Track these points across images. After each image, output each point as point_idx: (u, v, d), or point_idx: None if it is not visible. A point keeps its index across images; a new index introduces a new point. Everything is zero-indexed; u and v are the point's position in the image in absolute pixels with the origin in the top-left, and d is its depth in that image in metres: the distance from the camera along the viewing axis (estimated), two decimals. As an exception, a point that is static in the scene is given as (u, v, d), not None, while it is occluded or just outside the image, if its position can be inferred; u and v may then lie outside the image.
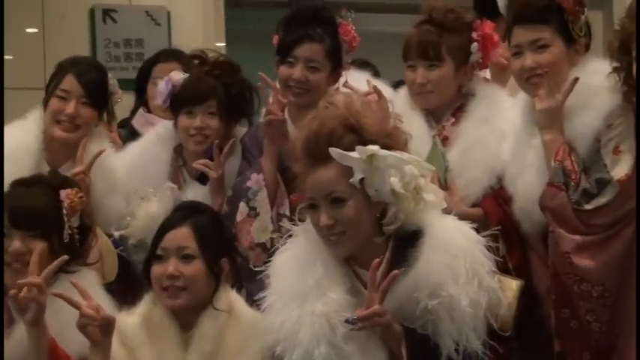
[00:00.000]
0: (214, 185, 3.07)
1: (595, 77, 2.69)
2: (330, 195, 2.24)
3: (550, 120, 2.68)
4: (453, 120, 2.97)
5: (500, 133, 2.90)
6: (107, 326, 2.35)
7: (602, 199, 2.58)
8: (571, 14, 2.72)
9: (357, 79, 3.06)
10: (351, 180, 2.22)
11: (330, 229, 2.24)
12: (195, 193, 3.09)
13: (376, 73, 3.48)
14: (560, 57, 2.73)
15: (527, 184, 2.74)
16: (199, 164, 3.06)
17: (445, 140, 2.93)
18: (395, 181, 2.22)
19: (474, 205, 2.86)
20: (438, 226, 2.26)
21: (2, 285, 2.45)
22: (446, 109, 2.98)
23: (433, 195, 2.33)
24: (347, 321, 2.18)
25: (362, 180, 2.23)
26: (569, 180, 2.62)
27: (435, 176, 2.78)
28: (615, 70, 2.63)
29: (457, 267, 2.18)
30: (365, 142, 2.23)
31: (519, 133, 2.82)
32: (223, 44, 5.41)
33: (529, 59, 2.73)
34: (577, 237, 2.59)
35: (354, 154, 2.22)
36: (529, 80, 2.75)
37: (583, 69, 2.73)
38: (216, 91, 3.11)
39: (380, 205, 2.26)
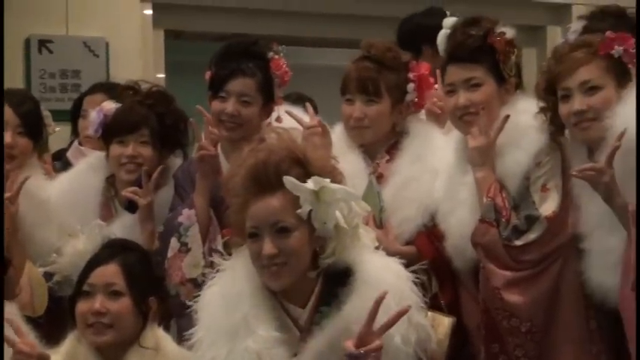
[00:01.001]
0: (143, 213, 3.04)
1: (524, 116, 2.74)
2: (277, 224, 2.22)
3: (482, 158, 2.71)
4: (387, 157, 2.99)
5: (433, 171, 2.93)
6: None
7: (530, 236, 2.62)
8: (502, 54, 2.77)
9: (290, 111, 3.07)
10: (298, 211, 2.21)
11: (272, 258, 2.21)
12: (125, 222, 3.06)
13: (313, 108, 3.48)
14: (492, 96, 2.77)
15: (460, 221, 2.76)
16: (128, 192, 3.04)
17: (380, 178, 2.95)
18: (340, 216, 2.22)
19: (407, 243, 2.87)
20: (368, 264, 2.26)
21: (2, 287, 2.40)
22: (380, 147, 3.00)
23: (365, 234, 2.33)
24: (351, 355, 2.13)
25: (309, 212, 2.22)
26: (500, 217, 2.65)
27: (371, 215, 2.80)
28: (542, 110, 2.69)
29: (388, 304, 2.17)
30: (309, 176, 2.23)
31: (452, 171, 2.85)
32: (163, 75, 5.38)
33: (462, 97, 2.77)
34: (507, 273, 2.62)
35: (308, 184, 2.21)
36: (462, 118, 2.79)
37: (513, 108, 2.77)
38: (149, 120, 3.10)
39: (321, 239, 2.26)
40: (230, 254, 2.40)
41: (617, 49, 2.56)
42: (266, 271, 2.24)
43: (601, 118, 2.50)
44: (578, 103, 2.55)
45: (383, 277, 2.24)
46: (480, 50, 2.77)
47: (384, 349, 2.14)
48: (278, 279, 2.24)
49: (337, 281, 2.24)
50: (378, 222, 2.85)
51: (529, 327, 2.60)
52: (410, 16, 3.98)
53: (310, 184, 2.20)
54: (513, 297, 2.60)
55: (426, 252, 2.84)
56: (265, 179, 2.22)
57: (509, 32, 2.79)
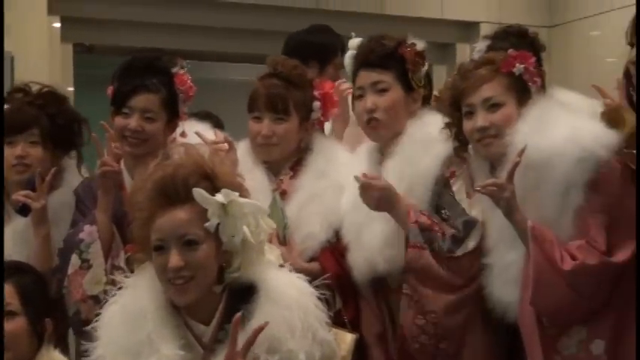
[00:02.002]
0: (36, 216, 2.97)
1: (432, 127, 2.78)
2: (184, 237, 2.18)
3: (387, 205, 2.71)
4: (291, 174, 2.99)
5: (337, 187, 2.94)
6: None
7: (469, 244, 2.66)
8: (411, 64, 2.83)
9: (197, 130, 3.04)
10: (206, 224, 2.19)
11: (178, 271, 2.18)
12: (17, 226, 3.00)
13: (218, 125, 3.48)
14: (398, 102, 2.82)
15: (373, 233, 2.77)
16: (20, 195, 2.96)
17: (284, 194, 2.95)
18: (247, 231, 2.21)
19: (311, 260, 2.87)
20: (272, 280, 2.24)
21: (2, 287, 2.34)
22: (285, 163, 3.01)
23: (270, 250, 2.33)
24: None
25: (217, 226, 2.21)
26: (433, 233, 2.67)
27: (275, 232, 2.79)
28: (447, 125, 2.73)
29: (293, 320, 2.16)
30: (217, 191, 2.21)
31: None
32: (72, 89, 5.31)
33: (369, 101, 2.81)
34: (450, 296, 2.65)
35: (217, 197, 2.19)
36: (369, 123, 2.83)
37: (420, 120, 2.82)
38: (39, 120, 3.05)
39: (227, 253, 2.24)
40: (133, 271, 2.36)
41: (519, 67, 2.61)
42: (172, 285, 2.20)
43: (502, 135, 2.54)
44: (481, 119, 2.59)
45: (287, 293, 2.22)
46: (389, 57, 2.82)
47: None
48: (184, 294, 2.20)
49: (241, 298, 2.23)
50: (282, 239, 2.86)
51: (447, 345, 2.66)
52: (296, 32, 4.05)
53: (220, 196, 2.19)
54: (453, 320, 2.65)
55: (329, 268, 2.83)
56: (173, 192, 2.19)
57: (420, 44, 2.85)
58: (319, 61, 3.83)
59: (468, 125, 2.63)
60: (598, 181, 2.41)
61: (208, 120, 3.32)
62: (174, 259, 2.17)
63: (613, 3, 5.25)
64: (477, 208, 2.70)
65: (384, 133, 2.84)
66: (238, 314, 2.15)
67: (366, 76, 2.85)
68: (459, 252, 2.66)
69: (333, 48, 3.88)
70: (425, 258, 2.65)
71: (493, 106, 2.59)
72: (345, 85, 3.11)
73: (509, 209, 2.46)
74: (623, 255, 2.40)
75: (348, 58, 2.98)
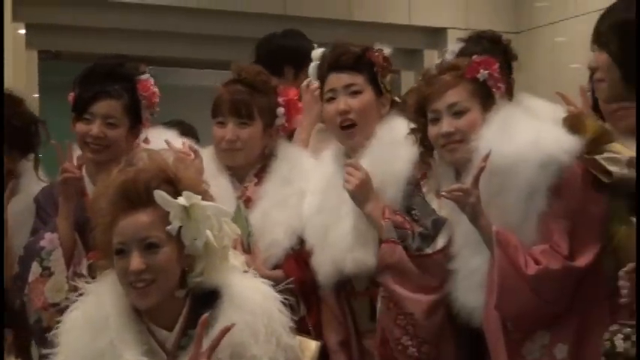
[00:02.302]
0: None
1: (400, 131, 2.78)
2: (145, 240, 2.19)
3: (363, 194, 2.72)
4: (255, 181, 2.99)
5: (301, 194, 2.94)
6: None
7: (439, 241, 2.66)
8: (380, 68, 2.84)
9: (162, 137, 3.02)
10: (168, 228, 2.19)
11: (139, 274, 2.18)
12: None
13: (190, 133, 3.44)
14: (371, 104, 2.83)
15: (340, 233, 2.77)
16: None
17: (248, 201, 2.95)
18: (210, 235, 2.21)
19: (275, 267, 2.86)
20: (236, 285, 2.24)
21: (2, 286, 2.32)
22: (249, 170, 3.00)
23: (234, 256, 2.33)
24: None
25: (179, 229, 2.20)
26: (405, 230, 2.68)
27: (239, 240, 2.79)
28: (412, 131, 2.73)
29: (256, 326, 2.17)
30: (180, 196, 2.21)
31: (332, 182, 2.86)
32: (37, 96, 5.26)
33: (342, 103, 2.81)
34: (430, 297, 2.65)
35: (179, 199, 2.19)
36: (342, 125, 2.82)
37: (388, 124, 2.82)
38: None
39: (190, 257, 2.24)
40: (95, 278, 2.35)
41: (483, 73, 2.61)
42: (133, 289, 2.20)
43: (467, 140, 2.55)
44: (446, 125, 2.60)
45: (251, 298, 2.22)
46: (360, 60, 2.83)
47: None
48: (145, 297, 2.20)
49: (205, 303, 2.22)
50: (246, 246, 2.85)
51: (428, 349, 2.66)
52: (268, 37, 3.98)
53: (181, 199, 2.19)
54: (432, 322, 2.65)
55: (293, 275, 2.80)
56: (135, 195, 2.19)
57: (387, 50, 2.87)
58: (295, 66, 3.78)
59: (433, 131, 2.64)
60: (560, 186, 2.42)
61: (179, 128, 3.29)
62: (135, 261, 2.17)
63: (577, 9, 5.29)
64: (446, 209, 2.70)
65: (357, 136, 2.83)
66: (205, 315, 2.15)
67: (338, 79, 2.84)
68: (429, 250, 2.66)
69: (308, 53, 3.79)
70: (398, 253, 2.66)
71: (458, 111, 2.60)
72: (315, 85, 3.11)
73: (475, 214, 2.47)
74: (584, 259, 2.41)
75: (312, 69, 2.98)
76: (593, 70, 2.26)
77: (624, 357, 2.03)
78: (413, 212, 2.74)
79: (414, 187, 2.74)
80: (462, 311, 2.58)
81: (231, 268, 2.30)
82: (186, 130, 3.44)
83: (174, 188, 2.22)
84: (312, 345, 2.68)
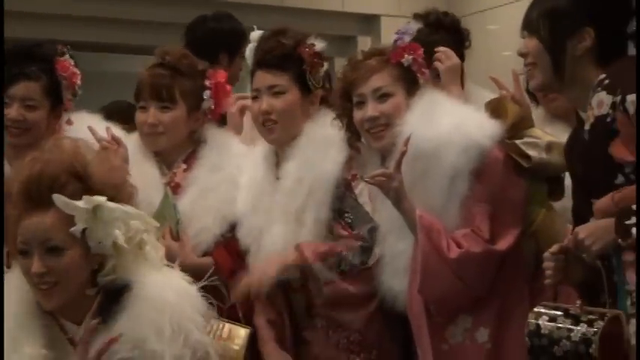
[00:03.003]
0: None
1: (330, 129, 2.76)
2: (47, 242, 2.14)
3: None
4: (184, 166, 2.95)
5: (231, 180, 2.91)
6: None
7: (377, 251, 2.64)
8: (309, 65, 2.79)
9: (86, 123, 2.95)
10: (72, 229, 2.14)
11: (41, 277, 2.14)
12: None
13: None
14: (295, 104, 2.79)
15: (272, 237, 2.74)
16: None
17: (177, 187, 2.91)
18: (119, 235, 2.17)
19: (205, 254, 2.83)
20: (147, 281, 2.20)
21: (2, 285, 2.24)
22: (177, 156, 2.96)
23: (154, 251, 2.28)
24: None
25: (84, 230, 2.15)
26: (337, 256, 2.65)
27: (167, 227, 2.78)
28: (338, 116, 2.72)
29: (162, 322, 2.13)
30: (90, 192, 2.16)
31: (260, 185, 2.83)
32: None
33: (265, 103, 2.77)
34: (367, 309, 2.65)
35: (79, 203, 2.14)
36: (264, 124, 2.80)
37: (317, 122, 2.79)
38: None
39: (98, 257, 2.20)
40: (10, 266, 2.31)
41: (407, 58, 2.62)
42: (37, 290, 2.17)
43: (392, 125, 2.56)
44: (371, 109, 2.60)
45: (161, 295, 2.19)
46: (287, 58, 2.78)
47: None
48: (49, 299, 2.17)
49: (115, 299, 2.18)
50: (175, 234, 2.81)
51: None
52: (199, 20, 3.84)
53: (81, 202, 2.14)
54: (374, 330, 2.66)
55: (222, 262, 2.82)
56: (37, 195, 2.15)
57: (319, 45, 2.82)
58: (229, 50, 3.68)
59: (357, 115, 2.64)
60: (482, 170, 2.44)
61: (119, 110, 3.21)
62: (36, 265, 2.14)
63: (508, -3, 5.34)
64: (371, 195, 2.69)
65: (279, 136, 2.81)
66: (94, 322, 2.13)
67: (263, 78, 2.81)
68: (371, 261, 2.64)
69: (242, 36, 3.66)
70: (338, 286, 2.64)
71: (383, 96, 2.60)
72: (242, 102, 3.07)
73: (398, 199, 2.47)
74: (505, 243, 2.43)
75: (250, 50, 2.93)
76: (523, 56, 2.27)
77: (549, 338, 2.04)
78: (345, 216, 2.71)
79: (344, 189, 2.72)
80: (387, 295, 2.58)
81: (147, 263, 2.26)
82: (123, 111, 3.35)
83: (83, 184, 2.18)
84: (242, 332, 2.68)
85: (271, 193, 2.78)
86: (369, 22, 5.88)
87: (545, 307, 2.10)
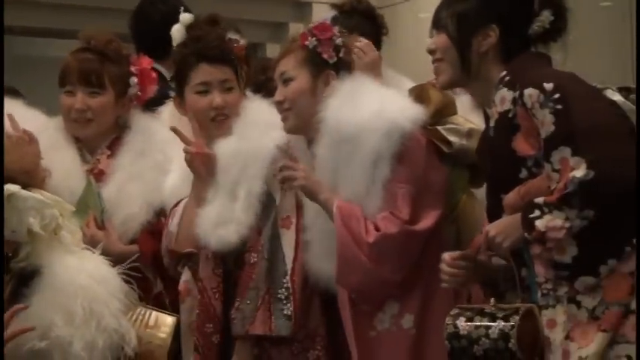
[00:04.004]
0: None
1: (263, 114, 2.75)
2: None
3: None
4: (108, 153, 2.92)
5: (157, 166, 2.88)
6: None
7: None
8: (239, 59, 2.81)
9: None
10: None
11: None
12: None
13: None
14: (241, 98, 2.79)
15: (209, 212, 2.68)
16: None
17: (101, 174, 2.88)
18: (34, 223, 2.15)
19: (133, 242, 2.80)
20: (59, 266, 2.19)
21: (2, 283, 2.17)
22: (101, 142, 2.93)
23: (70, 235, 2.24)
24: None
25: None
26: None
27: (92, 216, 2.74)
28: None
29: (73, 307, 2.13)
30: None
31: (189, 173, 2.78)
32: None
33: (218, 98, 2.75)
34: None
35: None
36: (215, 119, 2.76)
37: (252, 103, 2.79)
38: None
39: (12, 243, 2.17)
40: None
41: (311, 41, 2.61)
42: None
43: (295, 108, 2.58)
44: (277, 94, 2.63)
45: (72, 279, 2.18)
46: (230, 53, 2.79)
47: (61, 353, 2.09)
48: None
49: (27, 285, 2.17)
50: (100, 222, 2.78)
51: None
52: (146, 2, 3.68)
53: None
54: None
55: (146, 251, 2.78)
56: None
57: (242, 42, 2.84)
58: None
59: (272, 100, 2.66)
60: (404, 153, 2.44)
61: (16, 97, 3.12)
62: None
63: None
64: None
65: (228, 130, 2.76)
66: (18, 306, 2.08)
67: (212, 73, 2.76)
68: None
69: None
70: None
71: (286, 80, 2.62)
72: None
73: (311, 192, 2.50)
74: (424, 224, 2.44)
75: (177, 32, 2.85)
76: (431, 53, 2.34)
77: (468, 338, 2.08)
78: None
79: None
80: (319, 279, 2.56)
81: (62, 247, 2.23)
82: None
83: None
84: (169, 320, 2.67)
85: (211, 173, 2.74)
86: (301, 8, 5.86)
87: (460, 308, 2.15)
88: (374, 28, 3.12)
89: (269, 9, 5.75)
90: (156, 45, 3.21)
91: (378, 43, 3.10)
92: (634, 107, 2.17)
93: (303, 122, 2.56)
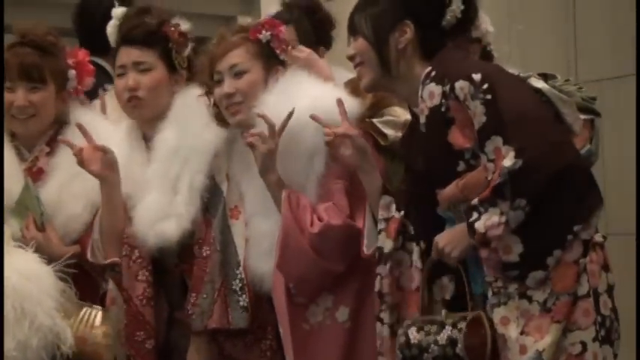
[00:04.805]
0: None
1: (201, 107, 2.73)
2: None
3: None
4: (47, 150, 2.86)
5: None
6: None
7: None
8: (176, 44, 2.78)
9: None
10: None
11: None
12: None
13: None
14: (161, 81, 2.77)
15: (145, 208, 2.68)
16: None
17: (40, 173, 2.82)
18: None
19: (76, 242, 2.75)
20: None
21: (2, 283, 2.14)
22: (40, 138, 2.86)
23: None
24: None
25: None
26: None
27: (31, 218, 2.70)
28: (206, 93, 2.72)
29: (5, 307, 2.05)
30: None
31: (130, 155, 2.78)
32: None
33: (131, 79, 2.74)
34: None
35: None
36: (130, 101, 2.75)
37: (185, 94, 2.76)
38: None
39: None
40: None
41: (265, 34, 2.62)
42: None
43: (247, 101, 2.56)
44: (227, 86, 2.60)
45: (4, 279, 2.13)
46: (153, 35, 2.76)
47: None
48: None
49: None
50: (40, 225, 2.72)
51: None
52: (90, 1, 3.55)
53: None
54: None
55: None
56: None
57: (185, 25, 2.80)
58: None
59: (217, 92, 2.63)
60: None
61: None
62: None
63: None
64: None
65: (145, 112, 2.77)
66: None
67: (128, 54, 2.76)
68: None
69: None
70: None
71: (238, 73, 2.60)
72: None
73: (265, 166, 2.47)
74: (362, 220, 2.44)
75: (112, 27, 2.85)
76: (351, 59, 2.34)
77: (418, 347, 2.12)
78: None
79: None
80: (254, 278, 2.56)
81: None
82: None
83: None
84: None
85: (143, 164, 2.73)
86: (249, 2, 5.84)
87: (413, 320, 2.18)
88: (317, 22, 3.10)
89: (217, 2, 5.72)
90: (97, 40, 3.16)
91: (324, 37, 3.08)
92: (558, 93, 2.20)
93: (251, 116, 2.53)
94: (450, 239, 2.14)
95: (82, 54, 2.93)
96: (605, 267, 2.12)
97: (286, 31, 2.90)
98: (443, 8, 2.24)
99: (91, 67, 2.95)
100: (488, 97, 2.07)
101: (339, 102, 2.42)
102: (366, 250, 2.40)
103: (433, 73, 2.19)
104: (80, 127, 2.72)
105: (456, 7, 2.24)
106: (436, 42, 2.25)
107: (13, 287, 2.12)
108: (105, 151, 2.68)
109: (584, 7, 4.09)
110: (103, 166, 2.67)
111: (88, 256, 2.72)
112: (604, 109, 2.98)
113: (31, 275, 2.18)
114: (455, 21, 2.24)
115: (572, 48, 4.12)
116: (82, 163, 2.68)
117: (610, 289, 2.11)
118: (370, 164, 2.40)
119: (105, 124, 2.89)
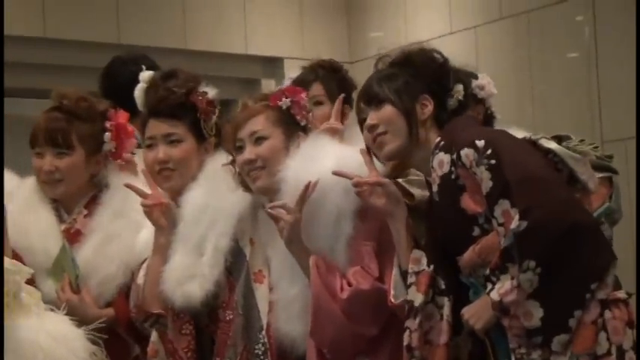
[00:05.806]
0: None
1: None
2: None
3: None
4: (85, 212, 2.91)
5: (135, 225, 2.86)
6: None
7: None
8: (203, 113, 2.78)
9: None
10: None
11: None
12: None
13: None
14: (191, 152, 2.76)
15: (175, 267, 2.68)
16: None
17: (78, 234, 2.87)
18: None
19: (109, 304, 2.80)
20: (18, 329, 2.14)
21: (2, 283, 2.14)
22: (78, 200, 2.92)
23: (28, 296, 2.23)
24: None
25: None
26: None
27: (66, 279, 2.74)
28: (231, 162, 2.70)
29: None
30: None
31: None
32: None
33: (162, 152, 2.74)
34: None
35: None
36: (161, 173, 2.76)
37: (215, 159, 2.77)
38: None
39: None
40: None
41: (285, 101, 2.63)
42: None
43: (269, 167, 2.57)
44: (247, 152, 2.60)
45: (32, 339, 2.14)
46: (181, 107, 2.76)
47: None
48: None
49: None
50: (75, 287, 2.77)
51: None
52: (117, 63, 3.64)
53: None
54: None
55: (122, 314, 2.79)
56: None
57: (211, 92, 2.81)
58: None
59: (238, 159, 2.64)
60: (366, 209, 2.46)
61: None
62: None
63: (408, 40, 5.42)
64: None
65: (175, 183, 2.77)
66: None
67: (158, 127, 2.76)
68: None
69: None
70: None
71: (259, 139, 2.61)
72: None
73: (290, 238, 2.48)
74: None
75: (139, 90, 2.86)
76: (371, 129, 2.38)
77: None
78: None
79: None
80: (284, 341, 2.54)
81: (22, 310, 2.20)
82: None
83: None
84: None
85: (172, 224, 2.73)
86: (273, 64, 5.90)
87: None
88: (339, 82, 3.16)
89: (240, 65, 5.78)
90: (124, 103, 3.19)
91: (348, 98, 3.13)
92: (571, 152, 2.24)
93: (274, 182, 2.55)
94: (474, 311, 2.18)
95: (123, 116, 2.96)
96: (630, 323, 2.11)
97: (314, 89, 2.96)
98: (449, 89, 2.37)
99: (131, 129, 2.97)
100: (493, 161, 2.13)
101: (363, 151, 2.45)
102: (394, 299, 2.39)
103: (442, 143, 2.28)
104: (129, 186, 2.76)
105: (459, 90, 2.38)
106: (448, 116, 2.36)
107: (41, 347, 2.12)
108: (167, 206, 2.73)
109: (606, 67, 4.13)
110: (165, 217, 2.72)
111: (131, 302, 2.74)
112: (627, 167, 2.99)
113: (60, 336, 2.18)
114: (457, 104, 2.37)
115: (597, 107, 4.15)
116: (149, 214, 2.73)
117: (636, 346, 2.10)
118: (402, 211, 2.40)
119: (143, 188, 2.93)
